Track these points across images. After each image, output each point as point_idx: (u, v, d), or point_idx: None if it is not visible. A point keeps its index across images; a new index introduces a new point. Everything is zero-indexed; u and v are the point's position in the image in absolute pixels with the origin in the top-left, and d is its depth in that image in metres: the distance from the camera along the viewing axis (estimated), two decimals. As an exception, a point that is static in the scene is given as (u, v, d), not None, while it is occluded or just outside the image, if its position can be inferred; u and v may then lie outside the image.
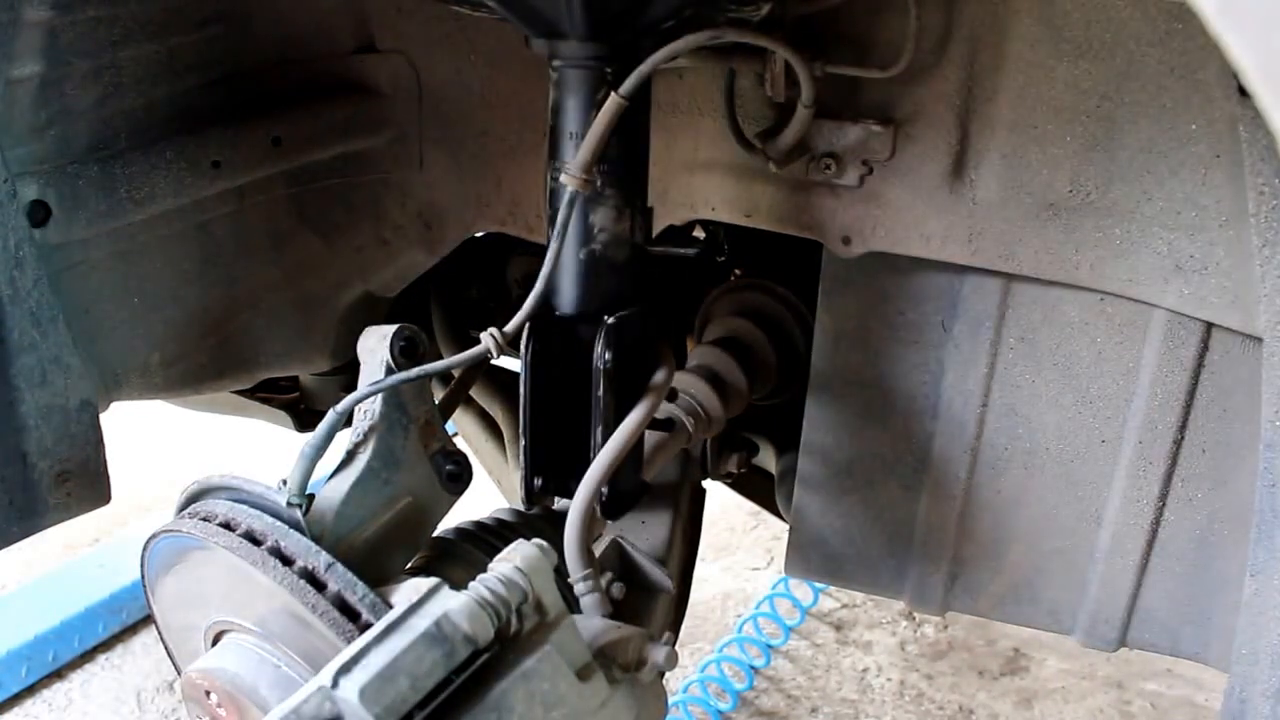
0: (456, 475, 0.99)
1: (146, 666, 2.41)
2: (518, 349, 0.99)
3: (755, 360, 1.41)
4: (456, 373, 1.27)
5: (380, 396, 0.93)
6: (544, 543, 0.79)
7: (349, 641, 0.75)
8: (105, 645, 2.47)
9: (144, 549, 0.93)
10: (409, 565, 0.99)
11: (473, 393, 1.63)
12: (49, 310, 1.03)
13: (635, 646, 0.84)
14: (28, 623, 2.37)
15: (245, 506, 0.87)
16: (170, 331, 1.23)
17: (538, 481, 1.06)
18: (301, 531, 0.84)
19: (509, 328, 0.94)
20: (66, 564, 2.58)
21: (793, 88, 1.07)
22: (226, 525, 0.85)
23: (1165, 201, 0.99)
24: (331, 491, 0.91)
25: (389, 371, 0.93)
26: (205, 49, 1.18)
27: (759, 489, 1.69)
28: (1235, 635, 0.95)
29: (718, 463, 1.52)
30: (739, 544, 2.84)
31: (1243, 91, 0.84)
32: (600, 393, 0.99)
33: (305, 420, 1.67)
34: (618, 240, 1.00)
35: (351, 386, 1.65)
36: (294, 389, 1.68)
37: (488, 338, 0.93)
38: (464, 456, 1.00)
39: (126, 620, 2.51)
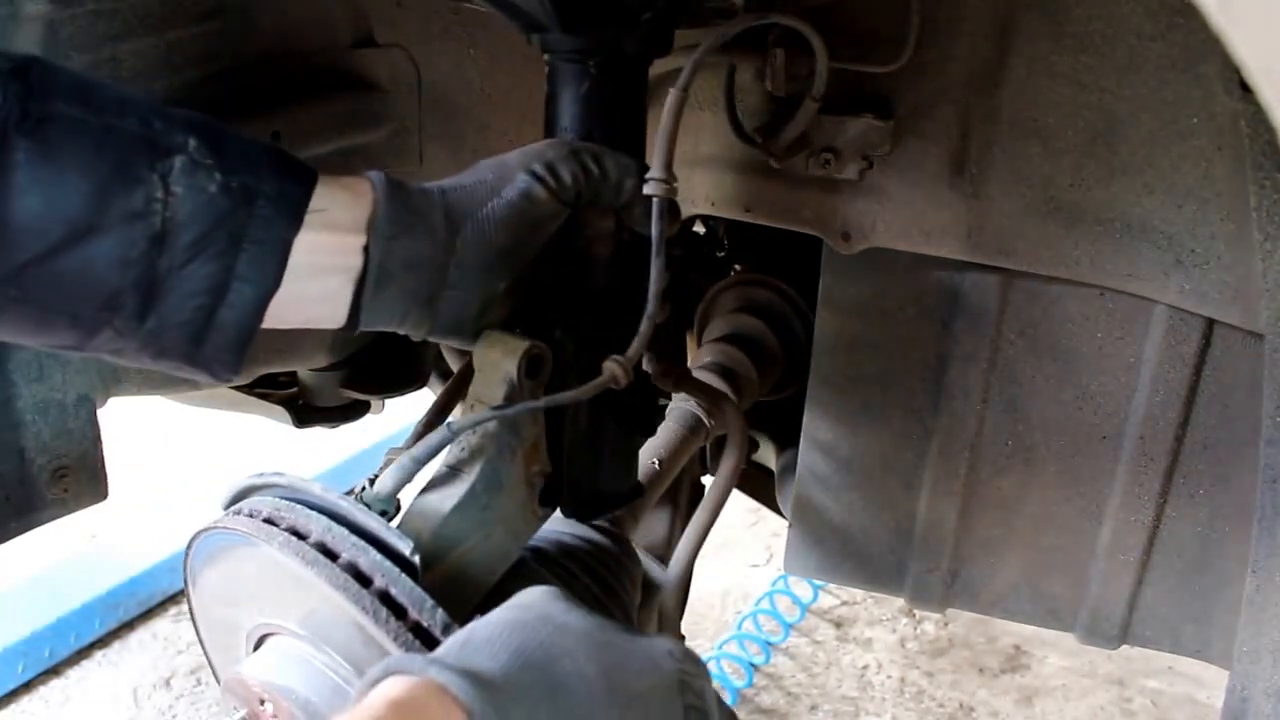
0: (548, 500, 0.92)
1: (143, 663, 2.41)
2: (637, 375, 0.90)
3: (763, 355, 1.41)
4: (455, 369, 1.26)
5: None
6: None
7: None
8: (102, 642, 2.46)
9: (191, 543, 0.87)
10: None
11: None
12: (46, 304, 1.03)
13: None
14: (24, 619, 2.36)
15: (343, 529, 0.79)
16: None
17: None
18: (412, 575, 0.76)
19: (630, 353, 0.86)
20: (63, 560, 2.58)
21: (792, 82, 1.07)
22: (324, 549, 0.77)
23: (1166, 195, 0.99)
24: (430, 510, 0.84)
25: (513, 390, 0.86)
26: (204, 43, 1.18)
27: (759, 485, 1.68)
28: (1236, 632, 0.95)
29: (717, 459, 1.51)
30: (738, 540, 2.84)
31: (1244, 86, 0.84)
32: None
33: (303, 416, 1.66)
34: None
35: (352, 381, 1.63)
36: (292, 385, 1.67)
37: (613, 365, 0.85)
38: (555, 478, 0.93)
39: (123, 617, 2.50)
